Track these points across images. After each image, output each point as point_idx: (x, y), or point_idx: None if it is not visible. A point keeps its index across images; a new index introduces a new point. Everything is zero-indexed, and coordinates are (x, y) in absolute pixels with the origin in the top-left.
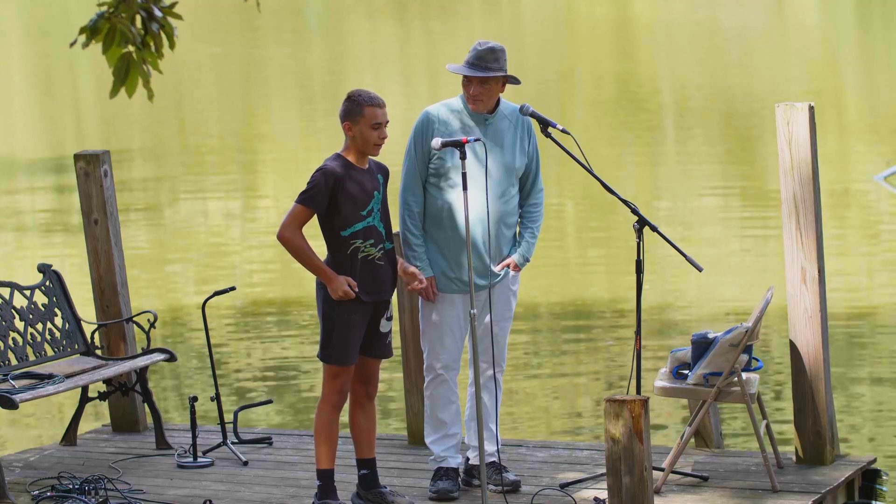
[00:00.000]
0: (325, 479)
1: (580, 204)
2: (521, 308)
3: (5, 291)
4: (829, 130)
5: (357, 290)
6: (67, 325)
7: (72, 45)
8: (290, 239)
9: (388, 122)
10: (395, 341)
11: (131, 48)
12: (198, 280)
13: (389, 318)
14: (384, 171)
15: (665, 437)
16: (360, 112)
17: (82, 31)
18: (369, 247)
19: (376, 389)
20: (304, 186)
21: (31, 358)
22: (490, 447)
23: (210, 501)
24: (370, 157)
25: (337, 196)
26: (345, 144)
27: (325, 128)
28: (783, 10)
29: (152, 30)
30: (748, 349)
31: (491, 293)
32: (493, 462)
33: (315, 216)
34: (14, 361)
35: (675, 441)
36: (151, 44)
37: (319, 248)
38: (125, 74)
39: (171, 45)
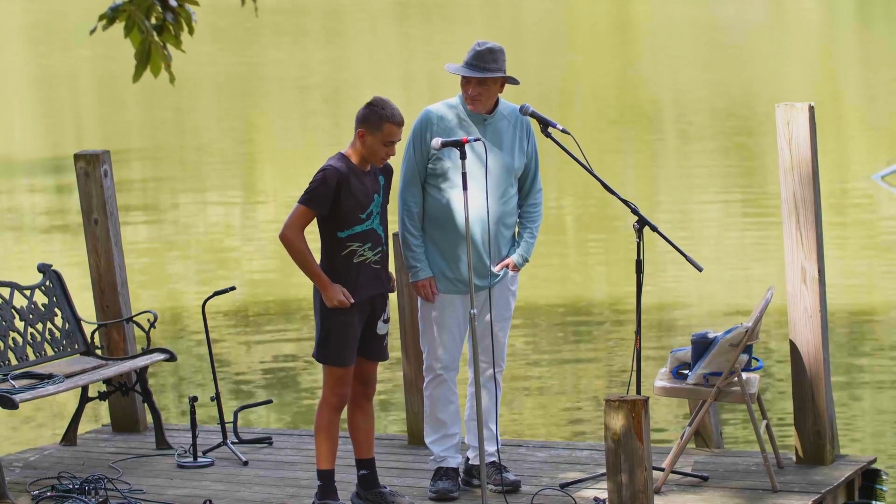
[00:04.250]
0: (326, 479)
1: (580, 204)
2: (521, 308)
3: (5, 291)
4: (830, 130)
5: (352, 299)
6: (67, 325)
7: (92, 31)
8: (292, 241)
9: (399, 139)
10: (395, 341)
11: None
12: (198, 280)
13: (386, 321)
14: (387, 171)
15: (665, 437)
16: (379, 126)
17: (101, 18)
18: (367, 250)
19: (374, 390)
20: (305, 186)
21: (31, 358)
22: (490, 447)
23: (210, 501)
24: None
25: (339, 197)
26: (350, 144)
27: (324, 128)
28: (783, 9)
29: (168, 19)
30: (748, 349)
31: (490, 293)
32: (493, 462)
33: (317, 221)
34: (14, 361)
35: (675, 441)
36: (171, 28)
37: (315, 249)
38: (147, 58)
39: (191, 31)
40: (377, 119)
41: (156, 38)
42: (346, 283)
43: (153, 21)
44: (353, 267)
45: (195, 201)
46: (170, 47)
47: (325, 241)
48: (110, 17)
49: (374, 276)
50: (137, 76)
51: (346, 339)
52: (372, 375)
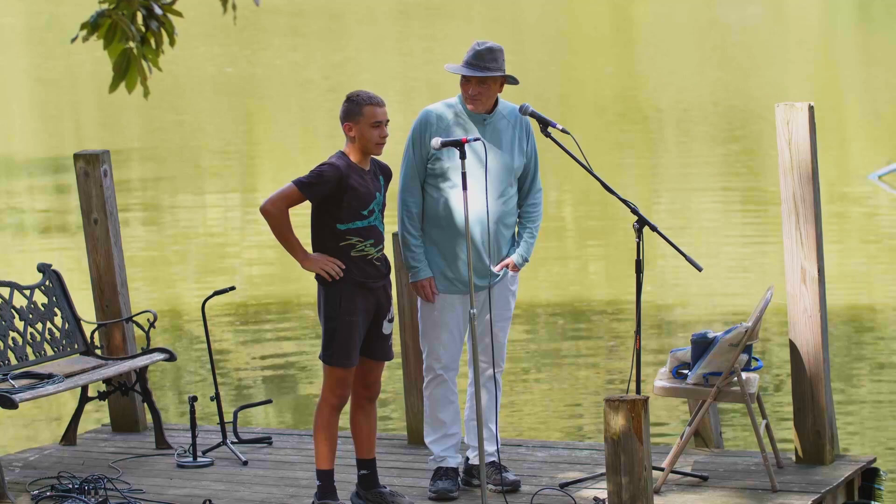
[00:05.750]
0: (325, 479)
1: (580, 204)
2: (521, 308)
3: (5, 291)
4: (830, 130)
5: (356, 275)
6: (67, 325)
7: (73, 40)
8: (272, 211)
9: (388, 120)
10: (395, 341)
11: (132, 44)
12: (198, 280)
13: (391, 320)
14: (386, 173)
15: (665, 437)
16: (360, 112)
17: (83, 26)
18: (369, 247)
19: (378, 392)
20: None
21: (31, 357)
22: (490, 447)
23: (210, 501)
24: (373, 156)
25: (341, 193)
26: (346, 144)
27: (324, 127)
28: (783, 8)
29: (152, 27)
30: (748, 349)
31: (490, 293)
32: (493, 462)
33: (311, 209)
34: (14, 361)
35: (675, 441)
36: (152, 40)
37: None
38: (125, 70)
39: (172, 43)
40: (355, 106)
41: (135, 51)
42: (347, 272)
43: (136, 30)
44: (350, 258)
45: (195, 201)
46: (149, 62)
47: (321, 232)
48: (93, 24)
49: (374, 271)
50: (114, 87)
51: (351, 340)
52: (376, 376)
